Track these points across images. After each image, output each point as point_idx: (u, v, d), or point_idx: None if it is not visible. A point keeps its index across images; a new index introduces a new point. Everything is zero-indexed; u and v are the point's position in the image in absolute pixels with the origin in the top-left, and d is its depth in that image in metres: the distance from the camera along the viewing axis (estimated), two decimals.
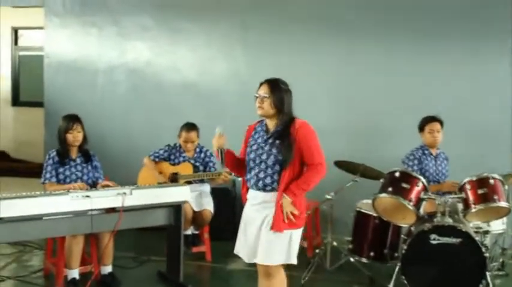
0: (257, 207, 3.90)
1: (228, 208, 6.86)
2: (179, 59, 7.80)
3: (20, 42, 11.31)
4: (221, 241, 6.17)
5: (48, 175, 5.19)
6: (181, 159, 6.19)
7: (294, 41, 7.30)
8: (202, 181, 6.18)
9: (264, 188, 3.86)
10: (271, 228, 3.80)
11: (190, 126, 6.16)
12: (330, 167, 5.75)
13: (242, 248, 3.99)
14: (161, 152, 6.23)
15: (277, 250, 3.82)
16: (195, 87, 7.73)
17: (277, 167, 3.83)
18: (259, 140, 3.92)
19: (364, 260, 5.55)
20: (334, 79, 7.17)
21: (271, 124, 3.93)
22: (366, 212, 5.58)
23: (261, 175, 3.85)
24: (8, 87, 11.33)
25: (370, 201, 5.36)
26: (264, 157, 3.84)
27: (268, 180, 3.85)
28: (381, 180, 5.28)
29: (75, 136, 5.22)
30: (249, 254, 3.94)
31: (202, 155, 6.20)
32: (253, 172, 3.89)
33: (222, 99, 7.58)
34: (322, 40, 7.21)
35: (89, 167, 5.34)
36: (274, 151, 3.83)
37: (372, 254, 5.51)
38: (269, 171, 3.83)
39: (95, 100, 8.07)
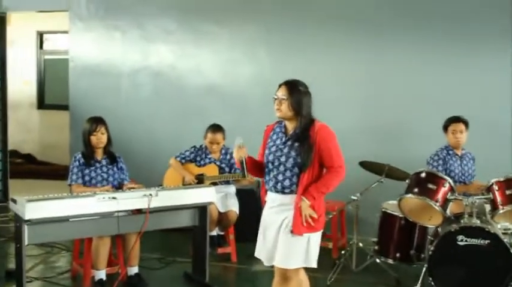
0: (276, 209, 3.88)
1: (253, 209, 6.80)
2: (203, 61, 7.81)
3: (45, 46, 11.44)
4: (246, 242, 6.11)
5: (74, 177, 5.23)
6: (207, 160, 6.21)
7: (319, 42, 7.27)
8: (227, 182, 6.18)
9: (282, 191, 3.84)
10: (291, 231, 3.79)
11: (216, 128, 6.17)
12: (355, 167, 5.77)
13: (261, 251, 3.97)
14: (187, 153, 6.24)
15: (295, 253, 3.80)
16: (219, 90, 7.73)
17: (296, 170, 3.80)
18: (278, 142, 3.89)
19: (390, 261, 5.50)
20: (360, 79, 7.12)
21: (290, 126, 3.90)
22: (392, 213, 5.53)
23: (280, 177, 3.83)
24: (33, 90, 11.46)
25: (395, 202, 5.32)
26: (282, 159, 3.82)
27: (287, 182, 3.82)
28: (407, 181, 5.25)
29: (98, 138, 5.25)
30: (268, 257, 3.93)
31: (228, 156, 6.21)
32: (271, 174, 3.86)
33: (246, 102, 7.57)
34: (348, 41, 7.16)
35: (115, 169, 5.37)
36: (293, 153, 3.81)
37: (398, 255, 5.46)
38: (288, 173, 3.81)
39: (119, 103, 8.11)
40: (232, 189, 6.26)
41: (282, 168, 3.81)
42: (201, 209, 5.15)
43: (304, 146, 3.79)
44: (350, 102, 7.14)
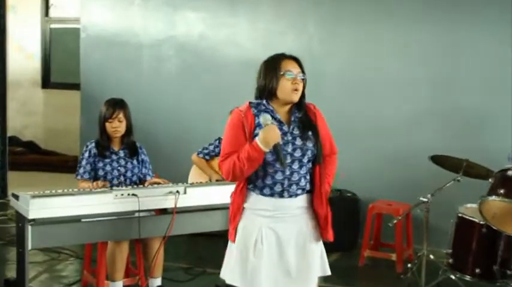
0: (288, 217, 3.72)
1: None
2: (239, 32, 7.79)
3: (52, 13, 11.50)
4: None
5: (81, 170, 5.19)
6: None
7: (379, 10, 7.18)
8: None
9: (296, 194, 3.70)
10: (321, 238, 3.77)
11: None
12: (425, 162, 5.69)
13: (273, 274, 3.68)
14: (211, 147, 6.16)
15: (316, 264, 3.78)
16: (257, 67, 7.63)
17: (309, 165, 3.71)
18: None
19: (467, 278, 5.42)
20: (429, 55, 7.01)
21: (282, 110, 3.74)
22: (471, 218, 5.44)
23: (295, 177, 3.67)
24: (37, 66, 11.56)
25: (475, 205, 5.25)
26: (297, 154, 3.67)
27: (302, 182, 3.70)
28: (490, 180, 5.18)
29: (115, 126, 5.18)
30: (288, 279, 3.72)
31: None
32: (279, 176, 3.67)
33: None
34: (414, 9, 7.07)
35: (135, 162, 5.32)
36: (309, 144, 3.68)
37: (477, 271, 5.36)
38: (303, 171, 3.68)
39: (140, 81, 8.15)
40: None
41: (296, 165, 3.67)
42: None
43: (315, 133, 3.72)
44: (417, 82, 7.04)
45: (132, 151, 5.33)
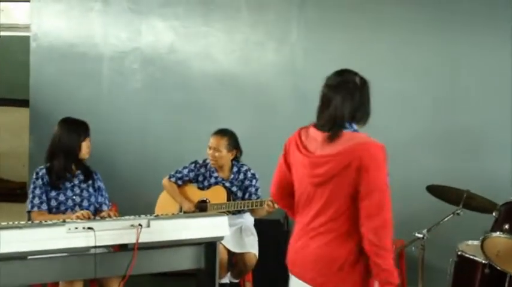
0: None
1: (279, 247, 6.82)
2: (213, 43, 7.84)
3: None
4: None
5: (36, 201, 5.23)
6: (212, 181, 6.21)
7: (371, 18, 7.29)
8: (241, 212, 6.18)
9: None
10: None
11: (219, 131, 6.19)
12: (421, 193, 5.75)
13: None
14: (185, 171, 6.25)
15: None
16: (235, 82, 7.75)
17: None
18: None
19: None
20: (428, 71, 7.11)
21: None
22: (472, 257, 5.47)
23: None
24: None
25: (477, 242, 5.28)
26: None
27: None
28: (494, 213, 5.23)
29: (89, 146, 5.37)
30: None
31: (241, 175, 6.21)
32: None
33: (270, 99, 7.60)
34: (412, 18, 7.18)
35: (91, 190, 5.38)
36: None
37: None
38: None
39: (99, 98, 8.14)
40: (249, 220, 6.24)
41: None
42: (209, 247, 5.14)
43: None
44: (414, 101, 7.13)
45: (87, 176, 5.40)
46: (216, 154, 6.09)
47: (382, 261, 3.47)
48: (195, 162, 6.29)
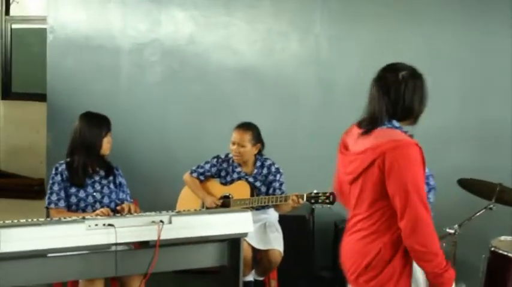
0: None
1: (304, 244, 6.82)
2: (234, 34, 7.85)
3: (13, 11, 11.52)
4: None
5: (54, 197, 5.26)
6: (235, 176, 6.21)
7: (399, 8, 7.25)
8: (265, 207, 6.17)
9: None
10: None
11: (242, 125, 6.19)
12: (452, 187, 5.71)
13: None
14: (207, 166, 6.26)
15: None
16: (257, 74, 7.74)
17: None
18: None
19: None
20: (459, 62, 7.07)
21: None
22: (506, 253, 5.42)
23: None
24: None
25: (511, 238, 5.30)
26: None
27: None
28: None
29: (110, 141, 5.41)
30: None
31: (265, 170, 6.20)
32: None
33: (294, 91, 7.59)
34: (442, 7, 7.12)
35: (112, 186, 5.40)
36: None
37: None
38: None
39: (117, 92, 8.18)
40: (273, 216, 6.23)
41: None
42: (233, 244, 5.12)
43: None
44: (444, 93, 7.06)
45: (108, 172, 5.41)
46: (241, 149, 6.09)
47: (425, 264, 3.47)
48: (217, 157, 6.28)
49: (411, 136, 3.66)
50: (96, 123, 5.38)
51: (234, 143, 6.10)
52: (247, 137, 6.09)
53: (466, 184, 5.75)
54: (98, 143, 5.34)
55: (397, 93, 3.65)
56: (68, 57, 8.37)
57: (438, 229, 5.55)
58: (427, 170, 3.64)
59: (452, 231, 5.50)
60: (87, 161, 5.34)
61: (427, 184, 3.61)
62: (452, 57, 7.09)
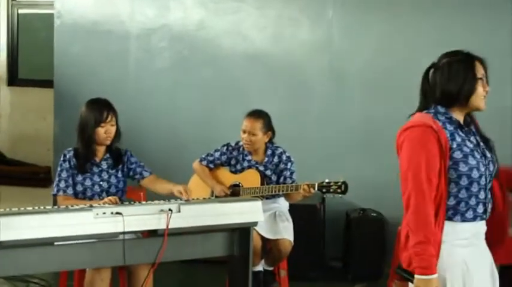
0: (482, 245, 3.83)
1: (315, 234, 6.83)
2: (244, 19, 7.84)
3: None
4: (304, 282, 6.14)
5: (62, 184, 5.28)
6: (245, 164, 6.22)
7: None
8: (276, 196, 6.17)
9: (487, 216, 3.82)
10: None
11: (253, 113, 6.18)
12: None
13: None
14: (217, 154, 6.26)
15: None
16: (267, 61, 7.74)
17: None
18: (471, 146, 3.75)
19: None
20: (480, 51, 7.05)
21: (461, 118, 3.81)
22: None
23: (489, 195, 3.78)
24: (2, 59, 11.57)
25: None
26: (491, 167, 3.79)
27: (491, 201, 3.84)
28: None
29: (108, 131, 5.32)
30: None
31: (276, 159, 6.19)
32: (482, 195, 3.76)
33: (305, 79, 7.58)
34: (462, 1, 7.13)
35: (119, 175, 5.42)
36: (494, 156, 3.82)
37: None
38: (489, 186, 3.79)
39: (126, 78, 8.18)
40: (283, 205, 6.23)
41: (489, 180, 3.78)
42: (243, 233, 5.13)
43: (492, 144, 3.86)
44: None
45: (116, 161, 5.43)
46: (252, 138, 6.09)
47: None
48: (227, 145, 6.29)
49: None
50: (92, 112, 5.31)
51: (244, 132, 6.10)
52: (259, 125, 6.09)
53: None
54: (87, 131, 5.30)
55: (435, 78, 3.77)
56: (75, 42, 8.36)
57: None
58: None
59: None
60: (88, 149, 5.34)
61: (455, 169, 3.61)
62: (469, 47, 7.06)
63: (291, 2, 7.66)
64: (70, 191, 5.27)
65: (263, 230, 5.90)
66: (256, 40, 7.79)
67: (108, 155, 5.42)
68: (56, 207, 4.87)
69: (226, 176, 6.22)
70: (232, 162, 6.25)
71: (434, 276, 3.54)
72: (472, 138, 3.76)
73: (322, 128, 7.38)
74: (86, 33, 8.32)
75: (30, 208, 4.60)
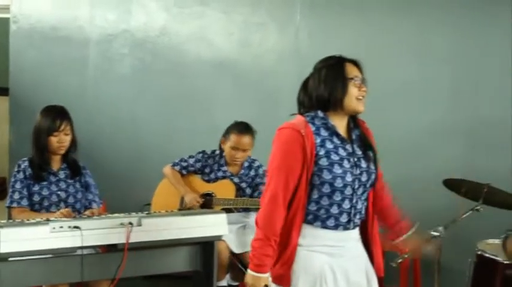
0: (348, 253, 3.89)
1: None
2: (210, 25, 7.85)
3: None
4: None
5: (17, 196, 5.25)
6: (219, 174, 6.24)
7: (387, 2, 7.29)
8: (247, 210, 6.20)
9: (358, 224, 3.92)
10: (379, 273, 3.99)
11: (244, 129, 6.20)
12: (438, 187, 5.75)
13: None
14: (191, 161, 6.27)
15: None
16: (234, 68, 7.76)
17: (369, 190, 3.94)
18: (343, 153, 3.84)
19: None
20: (450, 59, 7.11)
21: (341, 125, 3.89)
22: (492, 257, 5.47)
23: (359, 205, 3.88)
24: None
25: (498, 241, 5.31)
26: (364, 178, 3.86)
27: (363, 210, 3.93)
28: None
29: (62, 140, 5.29)
30: None
31: (252, 172, 6.24)
32: (347, 203, 3.84)
33: (274, 86, 7.62)
34: (440, 2, 7.18)
35: (77, 185, 5.40)
36: (372, 167, 3.90)
37: None
38: (364, 197, 3.90)
39: (85, 86, 8.14)
40: (253, 219, 6.24)
41: (360, 191, 3.86)
42: (206, 247, 5.16)
43: (374, 153, 3.95)
44: (433, 89, 7.13)
45: (74, 171, 5.41)
46: (245, 154, 6.13)
47: None
48: (203, 152, 6.29)
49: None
50: (45, 120, 5.29)
51: (238, 149, 6.11)
52: (252, 141, 6.15)
53: (452, 185, 5.77)
54: (40, 139, 5.28)
55: (309, 86, 3.89)
56: (32, 48, 8.32)
57: (422, 232, 5.62)
58: None
59: (437, 234, 5.51)
60: (42, 158, 5.31)
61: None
62: (444, 51, 7.11)
63: (257, 6, 7.68)
64: (25, 202, 5.24)
65: (232, 243, 5.92)
66: (222, 46, 7.80)
67: (65, 165, 5.41)
68: (10, 221, 4.85)
69: (198, 184, 6.22)
70: (206, 170, 6.25)
71: (265, 275, 3.71)
72: (347, 146, 3.84)
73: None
74: (43, 39, 8.28)
75: None
